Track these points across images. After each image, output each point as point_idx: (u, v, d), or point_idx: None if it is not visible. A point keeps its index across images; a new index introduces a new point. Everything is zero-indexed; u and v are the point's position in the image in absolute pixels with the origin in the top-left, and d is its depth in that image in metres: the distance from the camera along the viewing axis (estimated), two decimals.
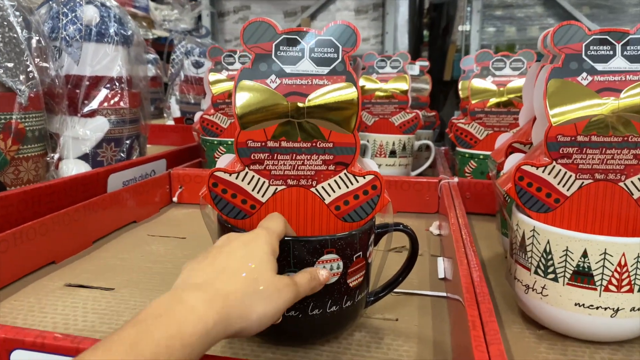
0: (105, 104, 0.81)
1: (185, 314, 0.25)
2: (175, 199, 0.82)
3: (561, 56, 0.40)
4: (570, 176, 0.40)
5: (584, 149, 0.39)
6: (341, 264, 0.36)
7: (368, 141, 0.93)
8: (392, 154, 0.93)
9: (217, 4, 2.07)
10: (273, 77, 0.37)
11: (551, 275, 0.38)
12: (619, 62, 0.39)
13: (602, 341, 0.39)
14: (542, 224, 0.39)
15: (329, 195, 0.38)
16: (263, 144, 0.37)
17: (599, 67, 0.39)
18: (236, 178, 0.38)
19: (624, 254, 0.36)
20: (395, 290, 0.43)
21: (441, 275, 0.53)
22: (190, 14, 1.65)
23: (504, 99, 0.83)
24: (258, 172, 0.38)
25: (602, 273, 0.36)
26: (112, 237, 0.65)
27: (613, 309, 0.37)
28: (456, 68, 1.78)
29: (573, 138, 0.39)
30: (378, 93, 0.95)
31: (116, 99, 0.82)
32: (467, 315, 0.32)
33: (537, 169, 0.40)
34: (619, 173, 0.39)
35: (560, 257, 0.37)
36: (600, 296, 0.37)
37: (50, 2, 0.79)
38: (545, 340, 0.40)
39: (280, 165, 0.38)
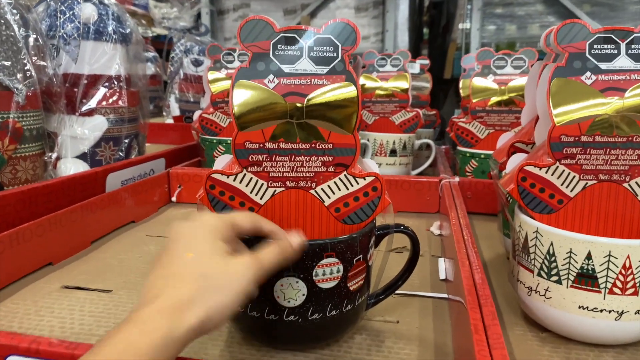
0: (104, 103, 0.80)
1: (134, 330, 0.25)
2: (174, 198, 0.81)
3: (564, 55, 0.39)
4: (574, 177, 0.39)
5: (588, 149, 0.38)
6: (341, 267, 0.35)
7: (368, 140, 0.92)
8: (393, 153, 0.92)
9: (217, 2, 2.06)
10: (271, 76, 0.36)
11: (555, 278, 0.38)
12: (623, 61, 0.38)
13: (606, 344, 0.39)
14: (545, 225, 0.38)
15: (329, 197, 0.38)
16: (261, 145, 0.36)
17: (603, 66, 0.39)
18: (234, 180, 0.37)
19: (628, 256, 0.35)
20: (396, 291, 0.43)
21: (442, 276, 0.52)
22: (190, 11, 1.65)
23: (505, 97, 0.82)
24: (256, 173, 0.37)
25: (607, 275, 0.36)
26: (110, 237, 0.65)
27: (617, 311, 0.36)
28: (456, 66, 1.77)
29: (577, 138, 0.38)
30: (378, 92, 0.95)
31: (115, 97, 0.82)
32: (470, 319, 0.32)
33: (540, 169, 0.39)
34: (624, 174, 0.39)
35: (563, 259, 0.37)
36: (604, 299, 0.36)
37: (48, 0, 0.78)
38: (548, 343, 0.39)
39: (279, 166, 0.37)
